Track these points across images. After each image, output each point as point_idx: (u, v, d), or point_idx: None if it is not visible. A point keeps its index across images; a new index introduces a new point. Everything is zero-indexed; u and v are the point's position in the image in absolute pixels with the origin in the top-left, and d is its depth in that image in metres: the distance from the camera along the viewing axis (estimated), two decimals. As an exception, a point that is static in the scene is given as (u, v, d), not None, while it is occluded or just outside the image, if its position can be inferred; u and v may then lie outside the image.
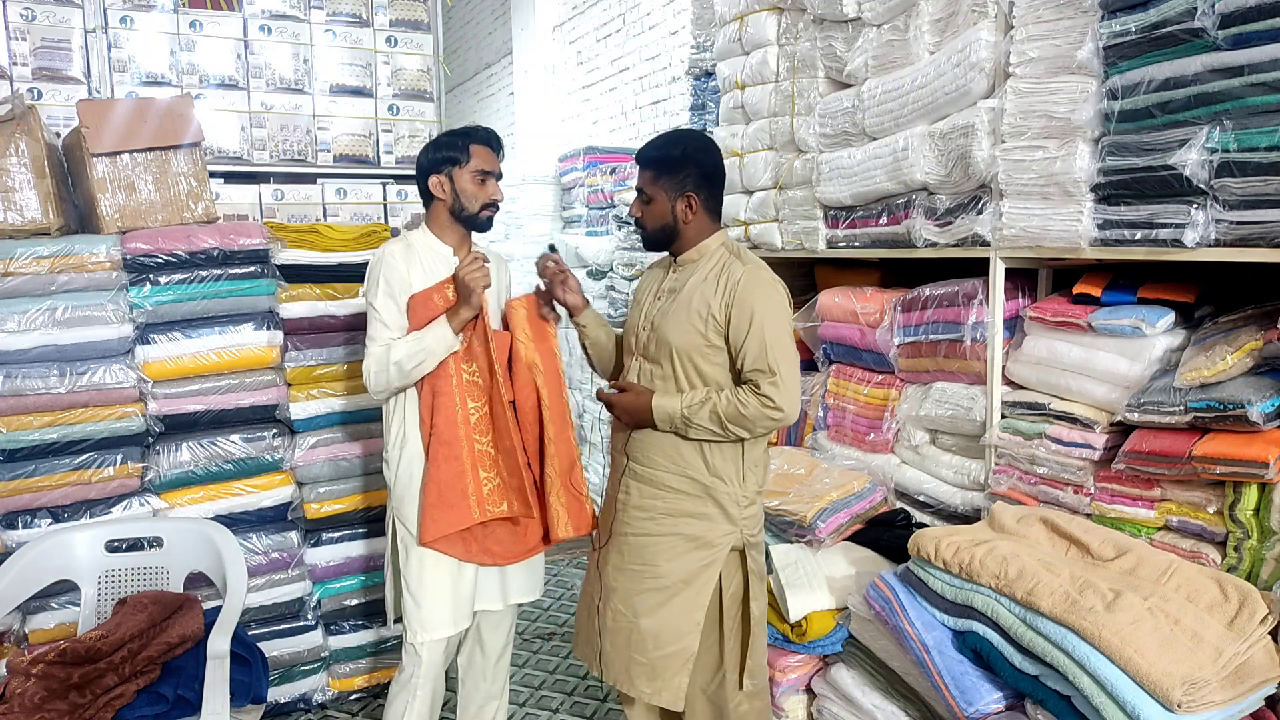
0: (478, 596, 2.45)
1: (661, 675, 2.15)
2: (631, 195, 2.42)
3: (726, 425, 2.07)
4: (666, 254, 2.31)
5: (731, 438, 2.11)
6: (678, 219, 2.20)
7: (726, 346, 2.12)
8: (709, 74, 4.08)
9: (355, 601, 3.16)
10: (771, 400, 2.04)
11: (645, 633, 2.16)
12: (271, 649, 2.92)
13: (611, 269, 4.74)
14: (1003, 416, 2.44)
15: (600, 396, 2.26)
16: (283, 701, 3.05)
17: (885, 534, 2.57)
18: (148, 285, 2.74)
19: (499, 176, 2.45)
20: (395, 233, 3.61)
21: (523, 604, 2.58)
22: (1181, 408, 1.94)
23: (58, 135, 3.02)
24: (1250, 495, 1.85)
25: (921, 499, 2.70)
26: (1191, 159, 1.86)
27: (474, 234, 2.52)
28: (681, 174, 2.17)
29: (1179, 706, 1.59)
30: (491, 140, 2.45)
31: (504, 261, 2.65)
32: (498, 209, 2.47)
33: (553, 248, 2.43)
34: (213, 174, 3.12)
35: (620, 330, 2.45)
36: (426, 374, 2.34)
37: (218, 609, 2.34)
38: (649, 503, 2.19)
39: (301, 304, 3.02)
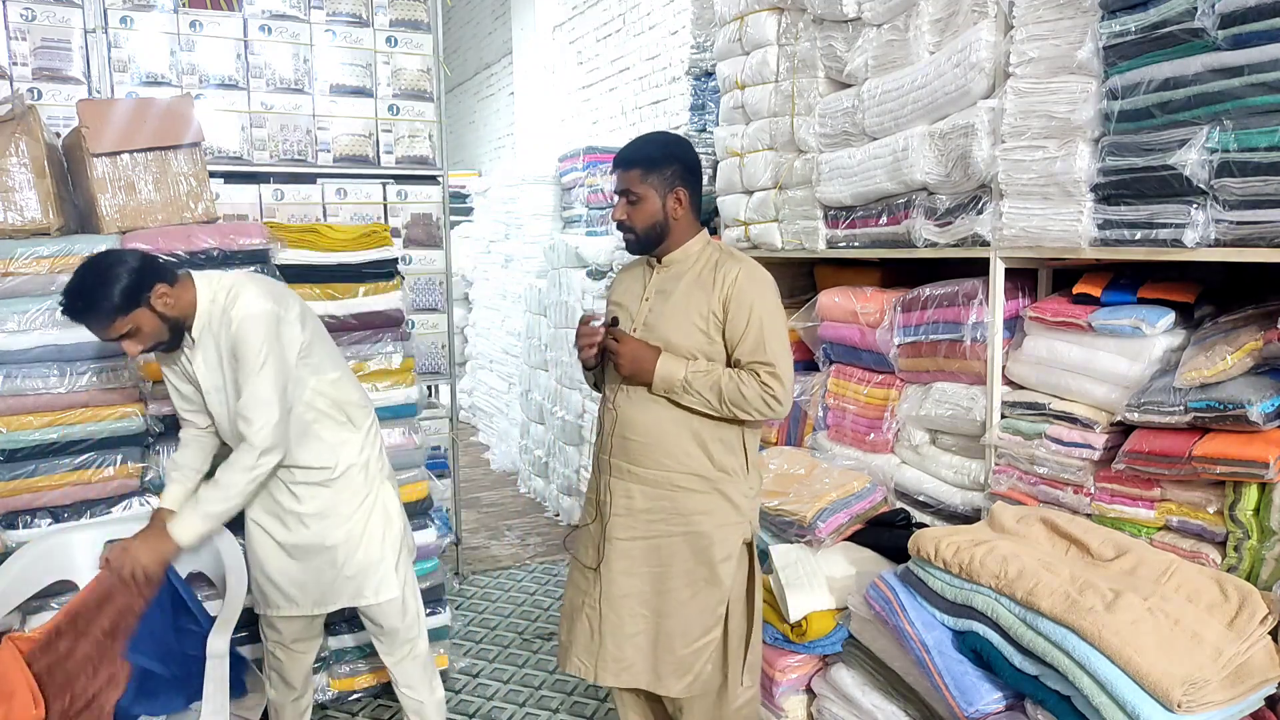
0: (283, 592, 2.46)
1: (692, 669, 2.19)
2: None
3: (724, 401, 2.10)
4: (643, 256, 2.32)
5: (722, 413, 2.13)
6: (668, 216, 2.20)
7: (724, 341, 2.16)
8: (709, 74, 4.08)
9: (355, 601, 3.15)
10: (772, 391, 2.09)
11: (673, 632, 2.18)
12: (271, 649, 2.92)
13: (611, 269, 4.74)
14: (1003, 416, 2.44)
15: (608, 333, 2.18)
16: (283, 701, 3.05)
17: (885, 534, 2.57)
18: (148, 285, 2.74)
19: None
20: (395, 233, 3.61)
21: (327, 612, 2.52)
22: (1181, 408, 1.94)
23: (58, 135, 3.02)
24: (1250, 495, 1.85)
25: (921, 499, 2.70)
26: (1191, 159, 1.86)
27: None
28: (668, 170, 2.18)
29: (1179, 706, 1.59)
30: None
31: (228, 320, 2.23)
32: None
33: (615, 321, 2.24)
34: (213, 174, 3.12)
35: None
36: None
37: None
38: (657, 504, 2.19)
39: (301, 304, 3.02)
